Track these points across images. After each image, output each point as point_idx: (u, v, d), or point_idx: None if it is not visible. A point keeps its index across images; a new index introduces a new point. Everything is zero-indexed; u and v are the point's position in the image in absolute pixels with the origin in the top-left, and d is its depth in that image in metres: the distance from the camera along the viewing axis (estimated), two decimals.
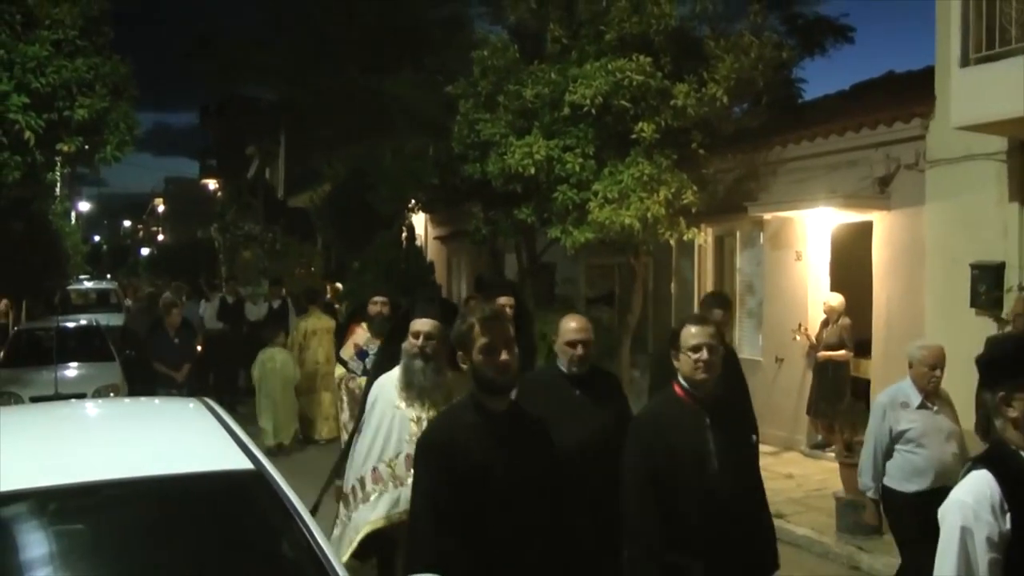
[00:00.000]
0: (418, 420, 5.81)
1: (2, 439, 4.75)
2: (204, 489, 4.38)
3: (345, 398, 9.36)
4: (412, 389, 5.89)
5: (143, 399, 9.34)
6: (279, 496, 4.23)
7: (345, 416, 9.30)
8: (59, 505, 4.11)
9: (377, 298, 10.12)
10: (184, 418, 5.49)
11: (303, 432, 15.86)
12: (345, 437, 8.48)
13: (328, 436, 15.27)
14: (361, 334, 9.77)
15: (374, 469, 5.88)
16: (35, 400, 14.10)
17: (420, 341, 5.88)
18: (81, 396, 13.88)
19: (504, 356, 4.42)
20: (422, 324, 5.92)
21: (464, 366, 4.60)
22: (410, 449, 5.42)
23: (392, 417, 5.89)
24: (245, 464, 4.41)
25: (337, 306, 21.59)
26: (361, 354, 9.48)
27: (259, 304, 20.92)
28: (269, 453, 11.52)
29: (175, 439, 4.99)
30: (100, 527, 4.23)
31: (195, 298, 22.44)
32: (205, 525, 4.38)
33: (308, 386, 15.81)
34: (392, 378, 6.03)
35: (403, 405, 5.90)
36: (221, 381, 19.51)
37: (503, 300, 7.54)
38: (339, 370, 9.74)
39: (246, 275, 25.72)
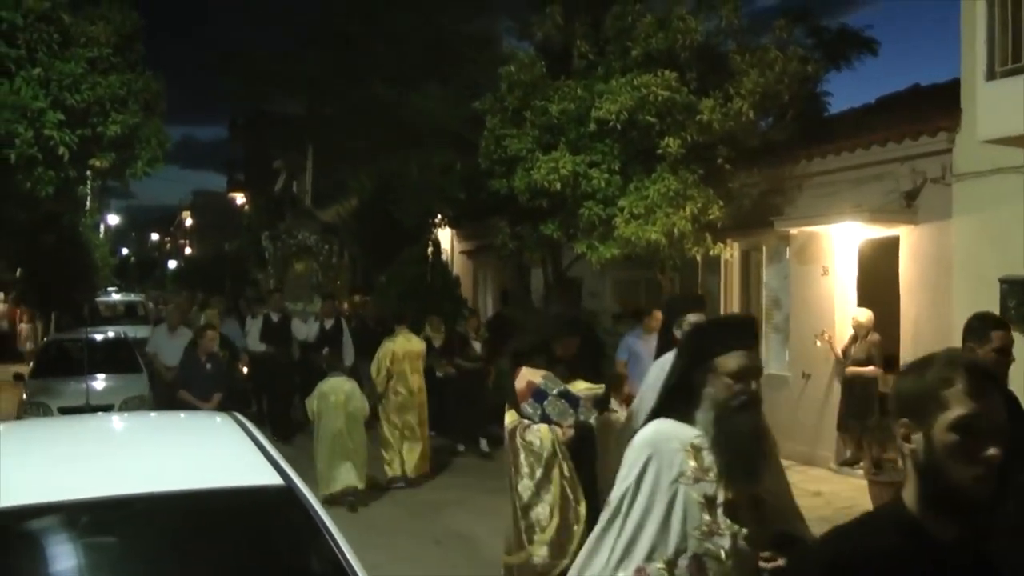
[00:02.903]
0: (712, 504, 3.95)
1: (35, 452, 4.83)
2: (234, 504, 4.40)
3: (521, 453, 7.67)
4: (722, 456, 3.93)
5: (172, 413, 9.35)
6: (309, 512, 4.23)
7: (523, 477, 7.67)
8: (91, 518, 4.14)
9: (570, 340, 8.15)
10: (214, 433, 5.50)
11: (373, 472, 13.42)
12: (521, 501, 7.67)
13: (415, 474, 13.72)
14: (532, 372, 7.90)
15: (639, 571, 4.00)
16: (64, 411, 14.26)
17: (743, 385, 3.96)
18: (109, 407, 13.99)
19: (993, 450, 2.50)
20: (743, 359, 4.01)
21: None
22: (699, 547, 3.92)
23: (674, 494, 3.97)
24: (275, 480, 4.41)
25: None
26: (538, 395, 7.68)
27: (309, 323, 18.55)
28: (328, 503, 11.04)
29: (205, 454, 5.01)
30: (130, 541, 4.25)
31: (233, 315, 20.74)
32: (235, 540, 4.39)
33: (397, 418, 13.89)
34: (679, 435, 4.02)
35: (694, 478, 3.96)
36: (272, 411, 17.68)
37: (694, 317, 6.78)
38: (509, 416, 7.89)
39: (296, 290, 23.67)
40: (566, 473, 7.62)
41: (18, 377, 17.65)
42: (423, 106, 18.84)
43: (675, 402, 4.16)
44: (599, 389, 7.86)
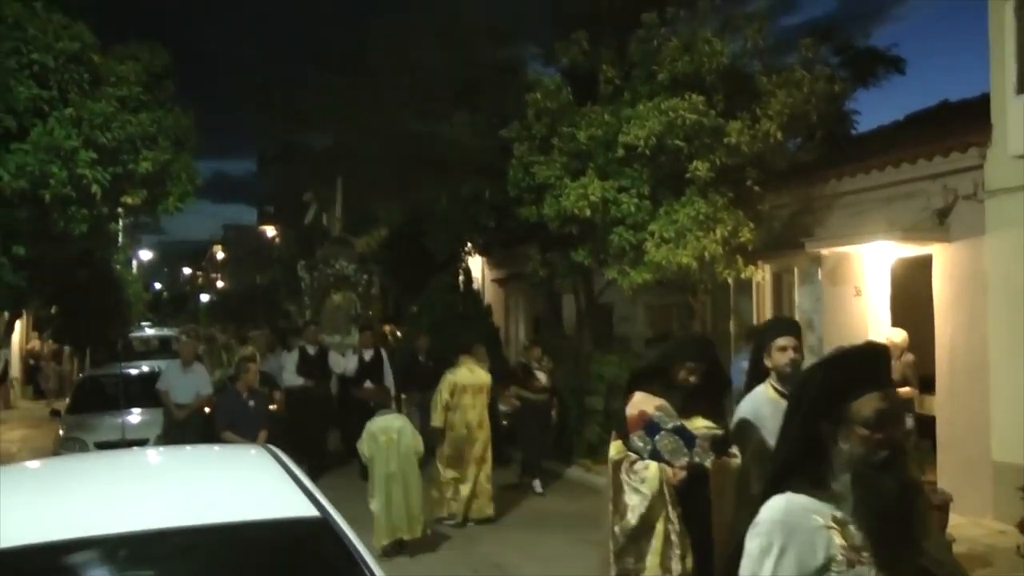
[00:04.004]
0: (857, 551, 3.25)
1: (72, 486, 4.85)
2: (269, 537, 4.39)
3: (624, 490, 6.73)
4: (870, 528, 3.24)
5: (207, 446, 9.38)
6: (345, 544, 4.20)
7: (622, 518, 6.71)
8: (128, 552, 4.14)
9: (689, 363, 6.88)
10: (248, 465, 5.49)
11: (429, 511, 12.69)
12: (617, 545, 6.79)
13: (476, 515, 13.00)
14: (647, 399, 6.83)
15: None
16: (100, 445, 14.32)
17: (883, 434, 3.30)
18: (143, 442, 14.02)
19: None
20: (881, 402, 3.34)
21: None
22: None
23: (813, 541, 3.24)
24: (311, 511, 4.38)
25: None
26: (651, 428, 6.70)
27: (348, 355, 17.86)
28: (387, 553, 10.96)
29: (240, 486, 5.01)
30: (167, 575, 4.26)
31: (277, 349, 19.64)
32: (271, 573, 4.39)
33: (456, 455, 13.07)
34: (817, 507, 3.30)
35: (847, 561, 3.22)
36: (308, 448, 16.02)
37: (783, 341, 6.36)
38: (615, 447, 6.96)
39: (333, 322, 22.90)
40: (672, 520, 6.63)
41: (54, 413, 17.79)
42: (451, 136, 18.93)
43: (802, 463, 3.39)
44: (719, 430, 6.75)
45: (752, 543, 3.30)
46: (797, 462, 3.38)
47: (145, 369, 19.51)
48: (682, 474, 6.60)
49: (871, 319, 14.05)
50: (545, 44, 19.00)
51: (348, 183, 29.81)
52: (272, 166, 54.13)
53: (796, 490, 3.31)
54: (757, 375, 6.54)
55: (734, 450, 6.66)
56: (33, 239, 11.57)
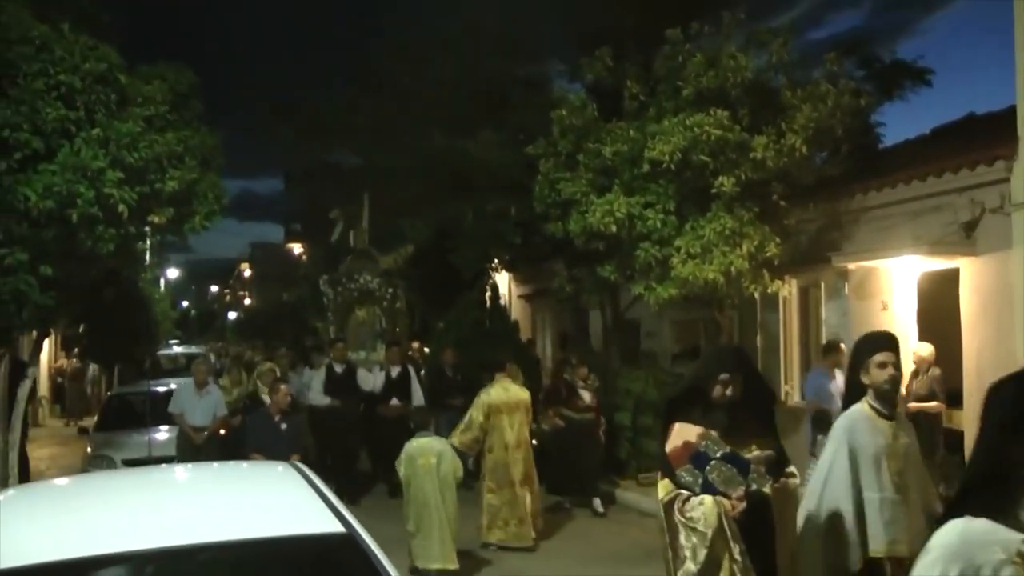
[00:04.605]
0: None
1: (99, 503, 4.89)
2: (296, 553, 4.42)
3: (681, 532, 6.03)
4: None
5: (234, 463, 9.41)
6: (371, 560, 4.22)
7: (684, 561, 6.01)
8: (155, 569, 4.19)
9: (722, 375, 6.16)
10: (274, 481, 5.52)
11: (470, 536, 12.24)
12: None
13: (516, 542, 12.29)
14: (687, 429, 6.16)
15: None
16: (128, 463, 14.42)
17: None
18: (171, 459, 14.04)
19: None
20: None
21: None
22: None
23: None
24: (336, 527, 4.40)
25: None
26: (698, 459, 6.05)
27: (375, 372, 17.42)
28: None
29: (266, 502, 5.03)
30: None
31: (299, 367, 19.72)
32: None
33: (496, 479, 12.43)
34: (1000, 539, 2.90)
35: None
36: (337, 469, 15.76)
37: (882, 357, 6.00)
38: (663, 487, 6.21)
39: (359, 338, 22.26)
40: (736, 556, 5.95)
41: (82, 431, 17.89)
42: (477, 153, 18.97)
43: (986, 488, 3.04)
44: (770, 451, 6.18)
45: (922, 573, 2.99)
46: (980, 486, 3.05)
47: (173, 386, 19.58)
48: (741, 505, 5.93)
49: (898, 333, 13.93)
50: (570, 61, 19.04)
51: (375, 200, 29.88)
52: (299, 184, 54.44)
53: (976, 515, 2.95)
54: (854, 393, 6.22)
55: (791, 469, 6.29)
56: (60, 259, 11.60)
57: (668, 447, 6.19)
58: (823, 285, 15.63)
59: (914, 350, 13.17)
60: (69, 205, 10.95)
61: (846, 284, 14.89)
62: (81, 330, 27.40)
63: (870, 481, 5.94)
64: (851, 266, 14.34)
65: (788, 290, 15.36)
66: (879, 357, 6.01)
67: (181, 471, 8.50)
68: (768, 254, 13.56)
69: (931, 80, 19.34)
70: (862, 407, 6.07)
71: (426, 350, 23.16)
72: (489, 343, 19.53)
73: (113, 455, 15.18)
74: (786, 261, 14.19)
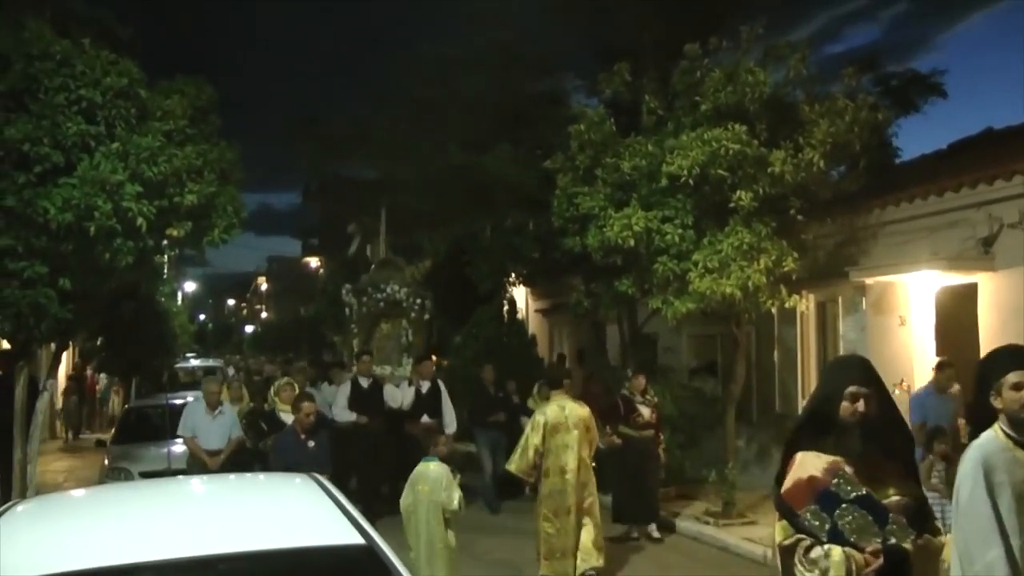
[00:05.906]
0: None
1: (119, 513, 4.91)
2: (315, 564, 4.41)
3: None
4: None
5: (252, 475, 9.41)
6: (390, 571, 4.22)
7: None
8: None
9: (850, 387, 4.98)
10: (293, 493, 5.52)
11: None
12: None
13: None
14: (813, 458, 5.02)
15: None
16: (145, 475, 14.42)
17: None
18: (188, 472, 14.07)
19: None
20: None
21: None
22: None
23: None
24: (355, 539, 4.41)
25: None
26: (826, 500, 4.88)
27: (403, 387, 16.63)
28: None
29: (285, 513, 5.03)
30: None
31: (319, 383, 18.46)
32: None
33: (553, 506, 11.06)
34: None
35: None
36: (363, 491, 14.80)
37: (1017, 377, 5.00)
38: (780, 532, 5.04)
39: (384, 352, 20.94)
40: None
41: (100, 443, 17.97)
42: (495, 167, 19.00)
43: None
44: (910, 498, 4.99)
45: None
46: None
47: (190, 399, 19.66)
48: (877, 562, 4.73)
49: (916, 348, 13.98)
50: (588, 76, 19.09)
51: (392, 214, 29.88)
52: (316, 198, 54.53)
53: None
54: (983, 418, 5.27)
55: (938, 523, 5.30)
56: (79, 272, 11.65)
57: (789, 482, 5.08)
58: (841, 300, 15.62)
59: (932, 365, 13.12)
60: (88, 218, 11.00)
61: (864, 299, 14.88)
62: (99, 343, 27.51)
63: (1013, 524, 4.85)
64: (869, 281, 14.33)
65: (806, 305, 15.30)
66: (1013, 377, 5.05)
67: (200, 482, 8.51)
68: (786, 269, 13.52)
69: (946, 91, 19.36)
70: (995, 435, 5.12)
71: (444, 363, 23.13)
72: (506, 358, 19.52)
73: (131, 467, 15.26)
74: (804, 276, 14.15)
